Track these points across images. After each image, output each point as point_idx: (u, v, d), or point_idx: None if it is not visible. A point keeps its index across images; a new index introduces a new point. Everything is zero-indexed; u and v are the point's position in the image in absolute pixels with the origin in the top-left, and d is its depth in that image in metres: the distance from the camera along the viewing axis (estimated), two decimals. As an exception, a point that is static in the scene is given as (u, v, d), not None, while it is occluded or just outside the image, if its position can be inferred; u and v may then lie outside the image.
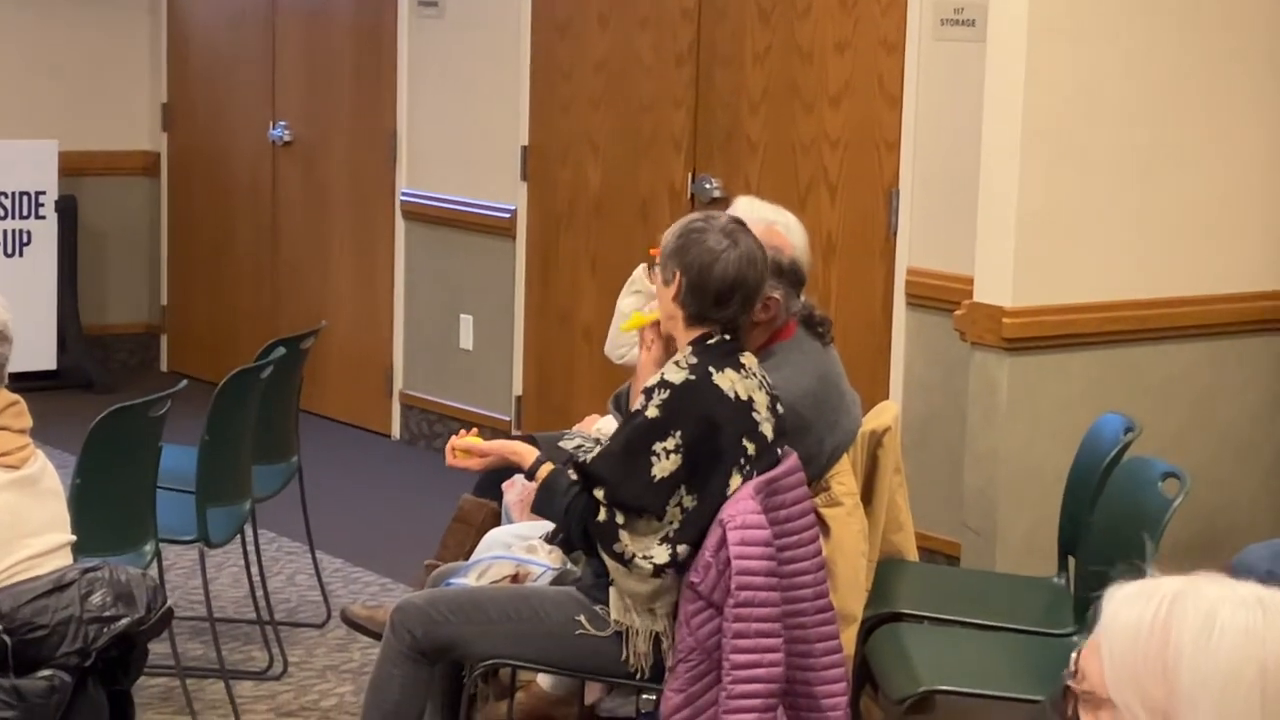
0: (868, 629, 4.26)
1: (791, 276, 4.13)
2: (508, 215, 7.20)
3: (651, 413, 3.68)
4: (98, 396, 7.68)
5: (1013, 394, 5.09)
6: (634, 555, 3.67)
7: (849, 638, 4.14)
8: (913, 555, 4.72)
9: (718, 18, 6.42)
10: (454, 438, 3.93)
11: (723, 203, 5.98)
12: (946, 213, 5.69)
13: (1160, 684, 1.59)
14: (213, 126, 8.61)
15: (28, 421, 3.15)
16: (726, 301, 3.73)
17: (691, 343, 3.76)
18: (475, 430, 4.04)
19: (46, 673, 2.96)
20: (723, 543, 3.60)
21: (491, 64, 7.25)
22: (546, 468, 3.80)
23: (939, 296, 5.65)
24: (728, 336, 3.76)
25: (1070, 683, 1.66)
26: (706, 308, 3.74)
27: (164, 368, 8.87)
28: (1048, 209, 5.09)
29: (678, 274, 3.75)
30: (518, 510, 4.60)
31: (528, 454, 3.85)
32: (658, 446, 3.66)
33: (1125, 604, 1.64)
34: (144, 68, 8.76)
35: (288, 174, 8.23)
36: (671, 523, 3.68)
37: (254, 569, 5.26)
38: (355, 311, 7.93)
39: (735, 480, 3.70)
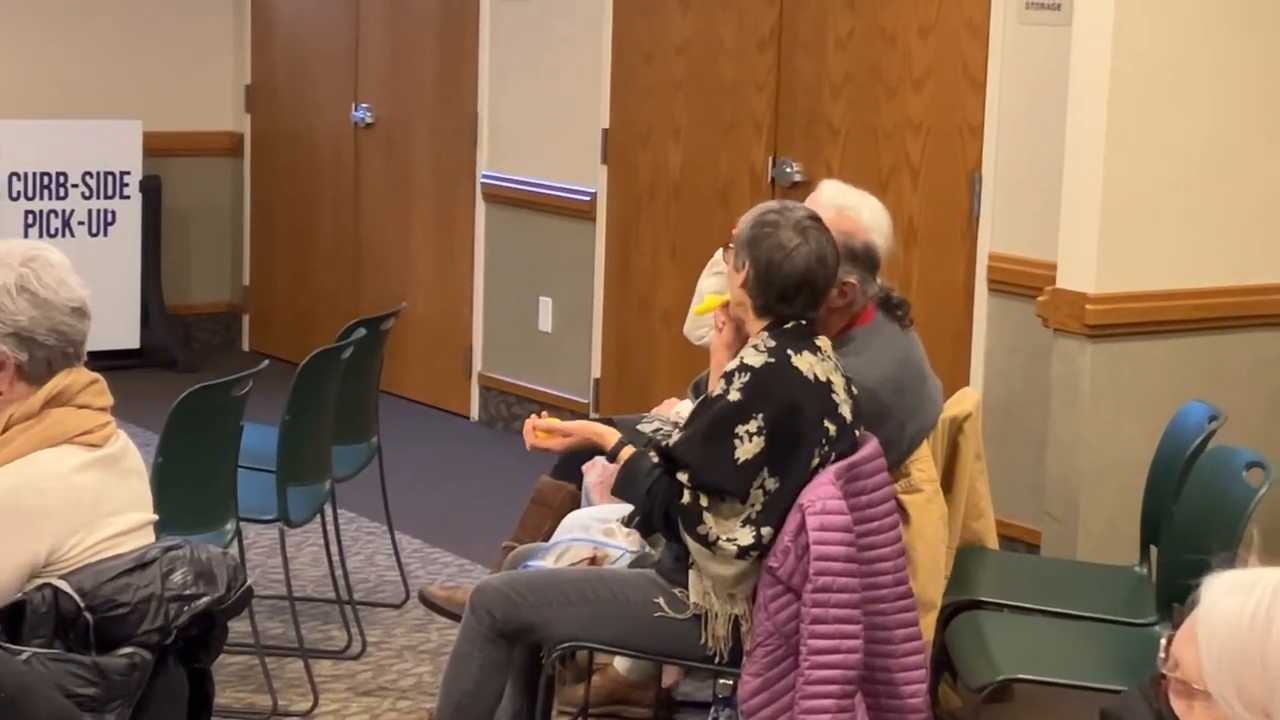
0: (947, 616, 4.24)
1: (865, 261, 4.10)
2: (588, 198, 7.20)
3: (733, 396, 3.68)
4: (180, 375, 7.74)
5: (1095, 381, 5.04)
6: (718, 538, 3.67)
7: (928, 625, 4.13)
8: (993, 542, 4.70)
9: (800, 2, 6.39)
10: (533, 418, 3.93)
11: (804, 187, 5.95)
12: (1029, 198, 5.65)
13: (1260, 678, 1.57)
14: (296, 108, 8.65)
15: (109, 400, 3.16)
16: (792, 299, 3.74)
17: (767, 327, 3.76)
18: (546, 414, 4.04)
19: (127, 650, 2.98)
20: (802, 527, 3.60)
21: (573, 46, 7.25)
22: (628, 450, 3.80)
23: (1021, 282, 5.61)
24: (802, 321, 3.77)
25: (1164, 670, 1.64)
26: (772, 302, 3.75)
27: (245, 347, 8.93)
28: (1132, 194, 5.04)
29: (748, 264, 3.76)
30: (597, 492, 4.60)
31: (610, 435, 3.86)
32: (740, 429, 3.66)
33: (1225, 594, 1.62)
34: (228, 49, 8.81)
35: (369, 155, 8.25)
36: (754, 505, 3.68)
37: (333, 549, 5.29)
38: (435, 293, 7.95)
39: (817, 462, 3.69)
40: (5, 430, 3.08)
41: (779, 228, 3.76)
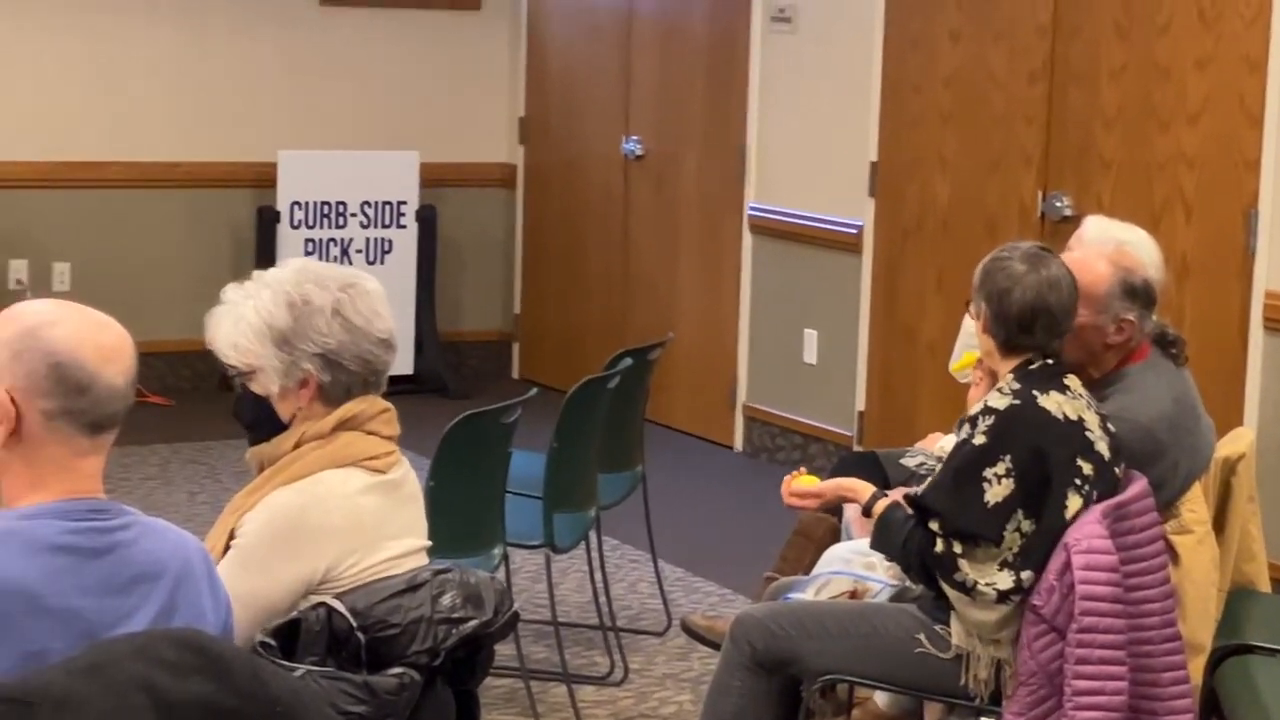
0: (1216, 660, 4.14)
1: (1144, 297, 4.05)
2: (854, 231, 7.19)
3: (979, 440, 3.67)
4: (451, 401, 7.89)
5: (1376, 423, 4.90)
6: (975, 583, 3.65)
7: (1196, 668, 4.04)
8: (1265, 586, 4.58)
9: (1072, 34, 6.32)
10: (788, 479, 3.98)
11: (1073, 221, 5.88)
12: (1309, 234, 5.51)
13: None
14: (567, 140, 8.78)
15: (396, 430, 3.24)
16: (1029, 327, 3.71)
17: (1013, 369, 3.74)
18: (805, 471, 4.06)
19: (397, 670, 3.03)
20: (1067, 566, 3.56)
21: (841, 78, 7.25)
22: (882, 504, 3.81)
23: (1299, 320, 5.48)
24: (1049, 361, 3.74)
25: None
26: (1012, 334, 3.73)
27: (514, 374, 9.07)
28: None
29: (983, 305, 3.76)
30: (858, 526, 4.59)
31: (862, 490, 3.87)
32: (988, 473, 3.65)
33: None
34: (503, 82, 8.98)
35: (639, 187, 8.35)
36: (1010, 548, 3.65)
37: (597, 575, 5.35)
38: (701, 323, 8.01)
39: (1074, 501, 3.65)
40: (297, 446, 3.18)
41: (1007, 261, 3.76)
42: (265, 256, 8.20)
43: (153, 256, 8.37)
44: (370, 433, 3.19)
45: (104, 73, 8.22)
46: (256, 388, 3.22)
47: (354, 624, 3.00)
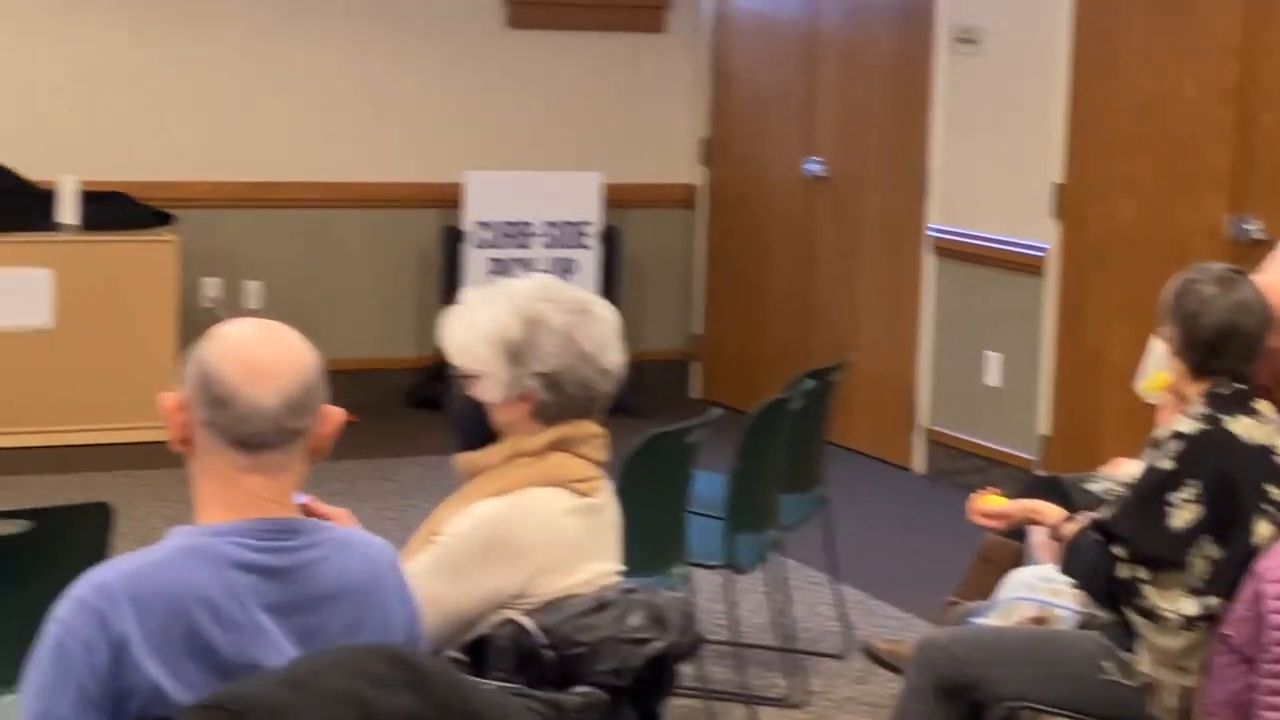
0: None
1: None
2: (1038, 253, 7.13)
3: (1165, 464, 3.63)
4: (632, 420, 7.91)
5: None
6: (1160, 609, 3.61)
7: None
8: None
9: (1264, 55, 6.23)
10: (975, 498, 3.95)
11: (1264, 245, 5.79)
12: None
13: None
14: (749, 160, 8.80)
15: (605, 455, 3.27)
16: (1220, 351, 3.67)
17: (1202, 393, 3.70)
18: (994, 490, 4.03)
19: (584, 689, 3.06)
20: (1258, 595, 3.51)
21: (1026, 99, 7.20)
22: (1072, 527, 3.77)
23: None
24: (1239, 385, 3.69)
25: None
26: (1203, 357, 3.69)
27: (692, 394, 9.10)
28: None
29: (1173, 328, 3.72)
30: (1044, 550, 4.56)
31: (1050, 513, 3.84)
32: (1173, 497, 3.61)
33: None
34: (685, 103, 9.03)
35: (820, 208, 8.34)
36: (1197, 574, 3.61)
37: (778, 597, 5.35)
38: (881, 345, 7.98)
39: (1263, 527, 3.61)
40: (509, 460, 3.21)
41: (1198, 284, 3.73)
42: (450, 276, 8.32)
43: (341, 275, 8.52)
44: (580, 455, 3.22)
45: (294, 95, 8.38)
46: (476, 393, 3.25)
47: (544, 641, 3.04)
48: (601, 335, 3.22)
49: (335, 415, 2.58)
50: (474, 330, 3.22)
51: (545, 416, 3.21)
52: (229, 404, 2.43)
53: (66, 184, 7.66)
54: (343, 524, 2.63)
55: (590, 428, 3.23)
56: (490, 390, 3.22)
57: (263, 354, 2.45)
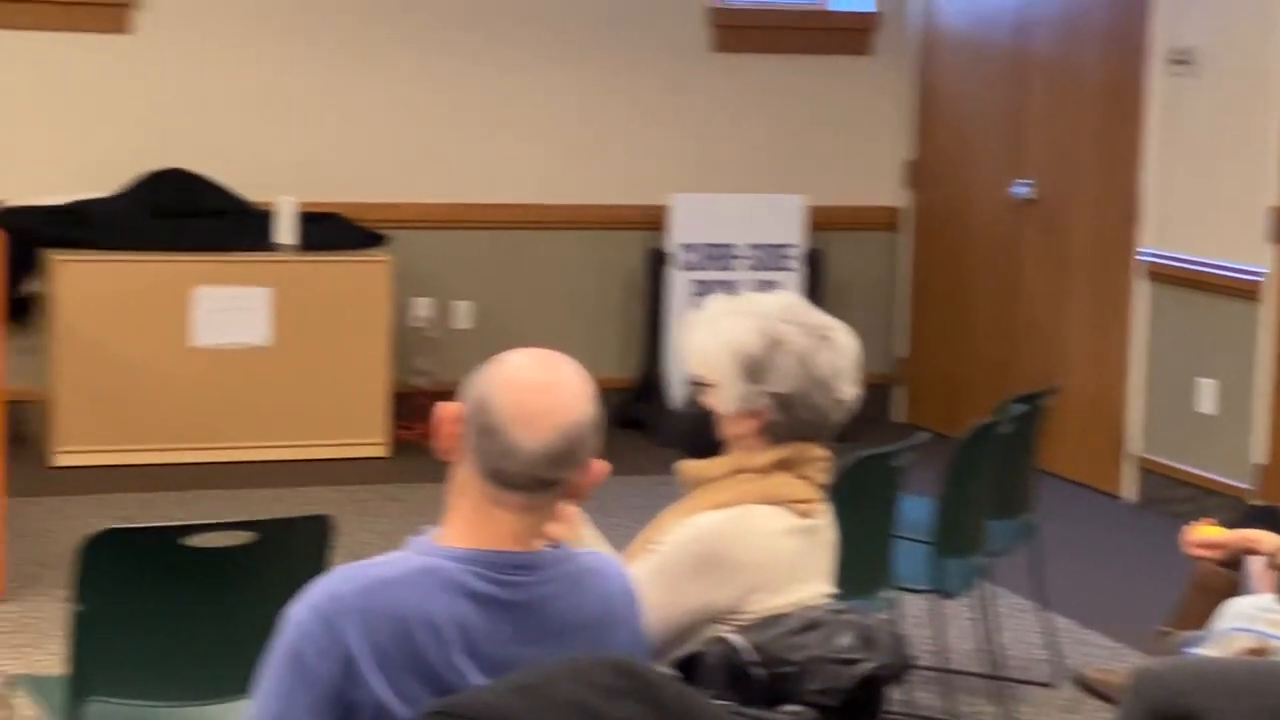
0: None
1: None
2: (1255, 278, 6.99)
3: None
4: (836, 444, 7.88)
5: None
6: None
7: None
8: None
9: None
10: (1191, 528, 3.88)
11: None
12: None
13: None
14: (955, 183, 8.73)
15: (828, 478, 3.26)
16: None
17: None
18: (1210, 520, 3.96)
19: (794, 709, 3.05)
20: None
21: (1242, 122, 7.07)
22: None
23: None
24: None
25: None
26: None
27: (895, 418, 9.04)
28: None
29: None
30: (1262, 580, 4.46)
31: (1266, 541, 3.76)
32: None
33: None
34: (890, 126, 8.98)
35: (1028, 231, 8.25)
36: None
37: (985, 623, 5.29)
38: (1089, 370, 7.87)
39: None
40: (732, 474, 3.22)
41: None
42: (655, 298, 8.35)
43: (548, 296, 8.59)
44: (803, 477, 3.21)
45: (505, 119, 8.47)
46: (708, 401, 3.25)
47: (756, 659, 3.03)
48: (839, 364, 3.21)
49: (599, 469, 2.55)
50: (715, 341, 3.22)
51: (773, 435, 3.20)
52: (494, 436, 2.44)
53: (285, 205, 7.81)
54: (571, 523, 2.61)
55: (816, 451, 3.23)
56: (722, 402, 3.22)
57: (539, 398, 2.45)
